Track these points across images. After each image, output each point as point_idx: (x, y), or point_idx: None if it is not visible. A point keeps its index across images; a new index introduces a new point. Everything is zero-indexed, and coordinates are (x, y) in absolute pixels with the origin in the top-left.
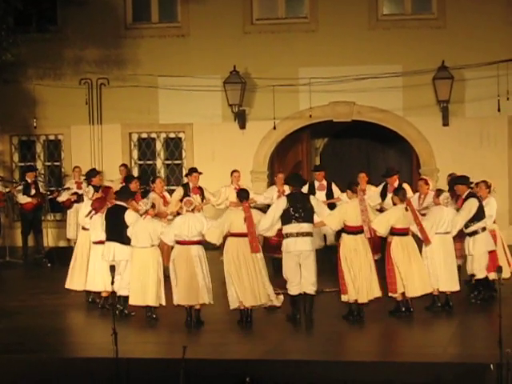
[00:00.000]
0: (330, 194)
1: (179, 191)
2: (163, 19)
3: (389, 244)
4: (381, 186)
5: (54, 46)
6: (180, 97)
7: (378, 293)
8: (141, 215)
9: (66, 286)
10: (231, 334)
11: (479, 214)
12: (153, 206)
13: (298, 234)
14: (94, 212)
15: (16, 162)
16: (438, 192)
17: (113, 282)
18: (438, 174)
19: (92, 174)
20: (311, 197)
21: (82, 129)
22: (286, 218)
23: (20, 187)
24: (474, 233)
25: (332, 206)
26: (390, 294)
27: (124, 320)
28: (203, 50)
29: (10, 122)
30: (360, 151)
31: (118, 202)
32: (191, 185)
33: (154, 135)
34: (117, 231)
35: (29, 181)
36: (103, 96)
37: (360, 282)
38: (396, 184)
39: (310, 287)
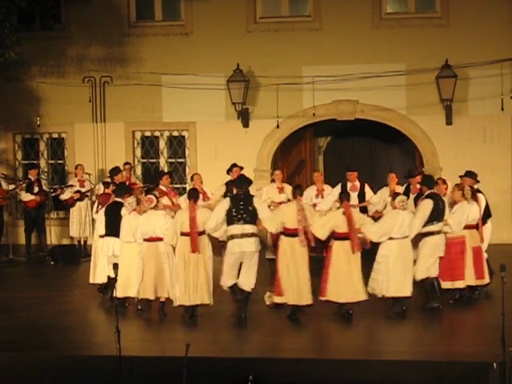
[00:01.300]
0: (362, 196)
1: (222, 188)
2: (167, 17)
3: (330, 248)
4: (402, 187)
5: (57, 44)
6: (183, 95)
7: (310, 299)
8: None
9: (90, 281)
10: (235, 332)
11: (434, 216)
12: (138, 203)
13: (243, 236)
14: (100, 207)
15: (19, 160)
16: (394, 195)
17: (116, 281)
18: (441, 173)
19: (114, 171)
20: (255, 199)
21: (85, 127)
22: (229, 219)
23: (24, 185)
24: (428, 234)
25: (363, 210)
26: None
27: (127, 318)
28: (207, 48)
29: (14, 120)
30: (363, 150)
31: (117, 199)
32: None
33: (157, 133)
34: (115, 227)
35: (32, 179)
36: (107, 94)
37: (295, 284)
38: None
39: (249, 285)
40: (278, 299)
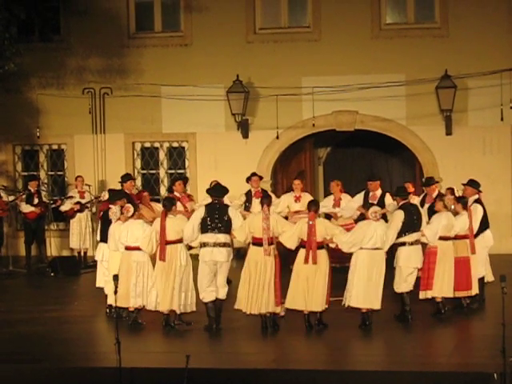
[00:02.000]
0: (381, 205)
1: (241, 199)
2: (166, 28)
3: (297, 257)
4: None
5: (57, 56)
6: (183, 106)
7: (272, 307)
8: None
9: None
10: (235, 344)
11: (407, 227)
12: (122, 212)
13: (215, 244)
14: (101, 213)
15: (19, 171)
16: (368, 205)
17: (116, 292)
18: (441, 183)
19: (125, 178)
20: (230, 208)
21: (85, 138)
22: (203, 227)
23: (24, 196)
24: (400, 244)
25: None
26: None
27: (127, 329)
28: (206, 59)
29: (13, 132)
30: (363, 160)
31: (110, 205)
32: (253, 190)
33: (157, 144)
34: (106, 233)
35: (32, 190)
36: (106, 105)
37: (251, 293)
38: (435, 194)
39: (222, 293)
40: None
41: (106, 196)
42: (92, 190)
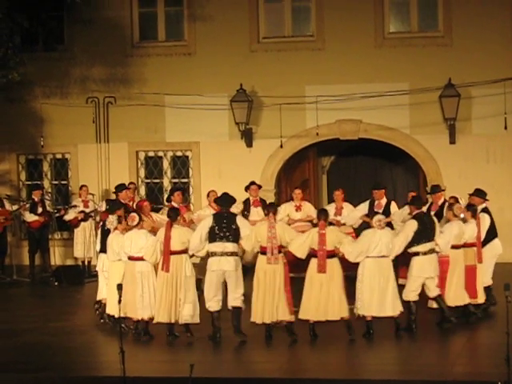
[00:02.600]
0: (387, 213)
1: (239, 207)
2: (170, 38)
3: (308, 265)
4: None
5: (60, 65)
6: (187, 115)
7: (284, 315)
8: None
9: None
10: (239, 352)
11: (420, 237)
12: (120, 221)
13: (223, 254)
14: (101, 223)
15: (23, 180)
16: (374, 214)
17: (120, 301)
18: (445, 192)
19: (119, 188)
20: (238, 217)
21: (88, 147)
22: (211, 237)
23: (28, 206)
24: (414, 254)
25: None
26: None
27: (131, 339)
28: (210, 68)
29: (17, 141)
30: (367, 169)
31: (110, 216)
32: (251, 198)
33: (160, 154)
34: (105, 243)
35: (35, 199)
36: (110, 114)
37: (261, 303)
38: (441, 201)
39: (237, 301)
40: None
41: (103, 206)
42: (96, 199)
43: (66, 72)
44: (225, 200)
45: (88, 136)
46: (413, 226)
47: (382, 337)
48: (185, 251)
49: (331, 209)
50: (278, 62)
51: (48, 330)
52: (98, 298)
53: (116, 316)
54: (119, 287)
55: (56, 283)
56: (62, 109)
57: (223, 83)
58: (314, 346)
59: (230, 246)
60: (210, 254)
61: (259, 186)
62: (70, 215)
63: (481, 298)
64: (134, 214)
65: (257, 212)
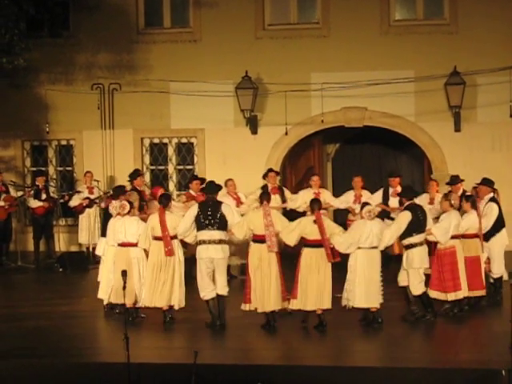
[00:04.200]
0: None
1: (257, 193)
2: (175, 24)
3: (299, 255)
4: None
5: (66, 51)
6: (192, 102)
7: (278, 304)
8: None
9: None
10: (242, 340)
11: (413, 228)
12: (123, 206)
13: (210, 242)
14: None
15: (28, 166)
16: (363, 205)
17: (124, 287)
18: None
19: (134, 175)
20: (223, 205)
21: (93, 134)
22: (198, 225)
23: (32, 192)
24: (410, 246)
25: None
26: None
27: (135, 325)
28: (215, 55)
29: (22, 127)
30: (372, 157)
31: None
32: (269, 185)
33: (165, 140)
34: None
35: (39, 185)
36: (115, 101)
37: (261, 291)
38: (460, 192)
39: (223, 289)
40: (245, 307)
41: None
42: (101, 185)
43: (72, 58)
44: (210, 188)
45: (93, 122)
46: (407, 217)
47: (385, 325)
48: (176, 236)
49: (350, 196)
50: (283, 49)
51: (52, 316)
52: (98, 279)
53: (107, 301)
54: (124, 273)
55: (60, 269)
56: (67, 95)
57: (228, 70)
58: (317, 333)
59: (216, 234)
60: (198, 243)
61: (277, 173)
62: (74, 201)
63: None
64: (124, 203)
65: (274, 199)
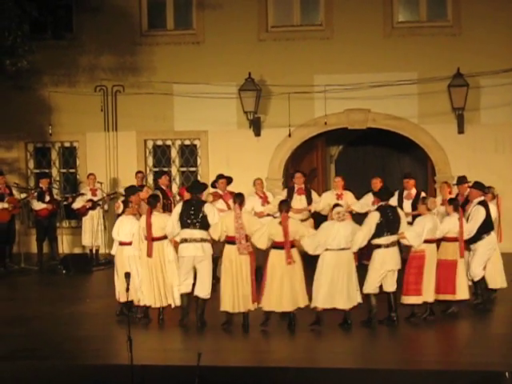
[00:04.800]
0: (416, 204)
1: (283, 193)
2: (178, 26)
3: (267, 256)
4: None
5: (69, 53)
6: (195, 104)
7: (248, 305)
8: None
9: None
10: (247, 341)
11: (382, 229)
12: (117, 206)
13: (191, 240)
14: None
15: (31, 168)
16: (334, 206)
17: (128, 289)
18: (453, 182)
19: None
20: (206, 205)
21: (97, 136)
22: (181, 224)
23: (35, 194)
24: (376, 246)
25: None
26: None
27: (138, 326)
28: (218, 57)
29: (26, 129)
30: (375, 159)
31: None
32: (296, 186)
33: (169, 142)
34: None
35: (43, 187)
36: (118, 103)
37: (231, 292)
38: (466, 193)
39: (203, 292)
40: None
41: (120, 208)
42: (104, 187)
43: (75, 60)
44: (195, 187)
45: (96, 124)
46: (375, 217)
47: (385, 327)
48: (165, 237)
49: (369, 199)
50: (286, 51)
51: (55, 317)
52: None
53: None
54: (127, 275)
55: (64, 271)
56: (70, 97)
57: (232, 72)
58: (323, 335)
59: (197, 233)
60: (180, 241)
61: (304, 175)
62: (77, 203)
63: (463, 295)
64: (118, 203)
65: (299, 200)
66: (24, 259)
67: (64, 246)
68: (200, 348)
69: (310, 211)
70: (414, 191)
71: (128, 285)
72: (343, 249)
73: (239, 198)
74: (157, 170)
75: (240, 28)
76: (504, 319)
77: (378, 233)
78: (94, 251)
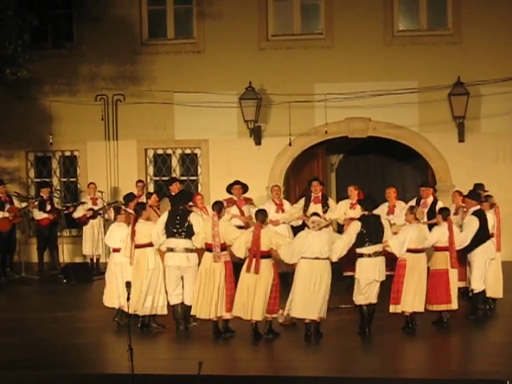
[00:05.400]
0: (432, 213)
1: (301, 202)
2: (179, 35)
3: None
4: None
5: (69, 63)
6: (196, 113)
7: (222, 312)
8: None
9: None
10: (248, 350)
11: (365, 239)
12: (119, 213)
13: (176, 250)
14: None
15: (32, 178)
16: (312, 215)
17: (128, 299)
18: (453, 190)
19: (171, 181)
20: (192, 214)
21: (97, 145)
22: (167, 233)
23: (36, 203)
24: (359, 256)
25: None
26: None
27: (139, 336)
28: (219, 66)
29: (26, 138)
30: (375, 167)
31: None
32: (313, 195)
33: (169, 151)
34: None
35: (44, 197)
36: (119, 112)
37: (203, 297)
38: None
39: (189, 300)
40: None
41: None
42: (104, 196)
43: (75, 69)
44: (182, 196)
45: (97, 133)
46: (355, 227)
47: (383, 336)
48: (150, 244)
49: (384, 207)
50: (286, 59)
51: (56, 327)
52: None
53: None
54: (128, 285)
55: (64, 281)
56: (70, 106)
57: (232, 81)
58: (316, 345)
59: (182, 243)
60: (166, 250)
61: (321, 183)
62: (78, 212)
63: (454, 305)
64: (110, 210)
65: (315, 208)
66: (25, 268)
67: (65, 255)
68: (200, 357)
69: (325, 219)
70: (430, 199)
71: (129, 294)
72: (317, 258)
73: (217, 206)
74: (157, 179)
75: (240, 37)
76: (504, 328)
77: (360, 242)
78: (94, 260)
